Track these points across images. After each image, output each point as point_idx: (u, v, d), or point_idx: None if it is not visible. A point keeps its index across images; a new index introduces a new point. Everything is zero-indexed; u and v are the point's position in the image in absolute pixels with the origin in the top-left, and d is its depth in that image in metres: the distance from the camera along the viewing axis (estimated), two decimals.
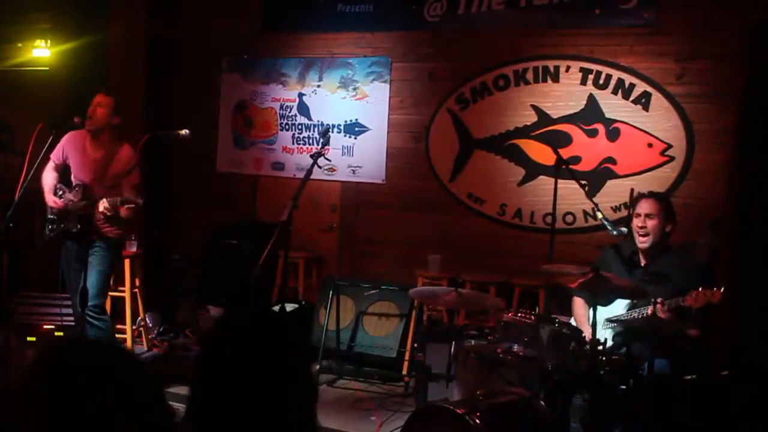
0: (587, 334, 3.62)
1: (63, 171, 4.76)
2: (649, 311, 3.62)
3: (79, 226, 4.52)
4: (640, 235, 3.96)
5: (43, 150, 4.40)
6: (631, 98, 5.53)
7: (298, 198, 3.88)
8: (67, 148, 4.71)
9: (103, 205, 4.32)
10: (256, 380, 1.48)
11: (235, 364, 1.50)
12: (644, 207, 3.98)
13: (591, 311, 3.57)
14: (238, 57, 6.88)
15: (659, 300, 3.58)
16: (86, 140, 4.66)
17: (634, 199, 4.24)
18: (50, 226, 4.66)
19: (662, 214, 3.95)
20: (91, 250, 4.60)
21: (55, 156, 4.72)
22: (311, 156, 4.24)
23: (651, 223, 3.93)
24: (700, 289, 3.54)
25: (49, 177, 4.72)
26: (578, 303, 4.22)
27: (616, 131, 5.58)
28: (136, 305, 5.78)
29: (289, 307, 5.80)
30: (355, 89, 6.44)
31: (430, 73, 6.20)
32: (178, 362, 5.43)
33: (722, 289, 3.49)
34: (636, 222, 3.99)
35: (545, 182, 5.69)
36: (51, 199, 4.65)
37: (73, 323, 5.16)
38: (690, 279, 3.76)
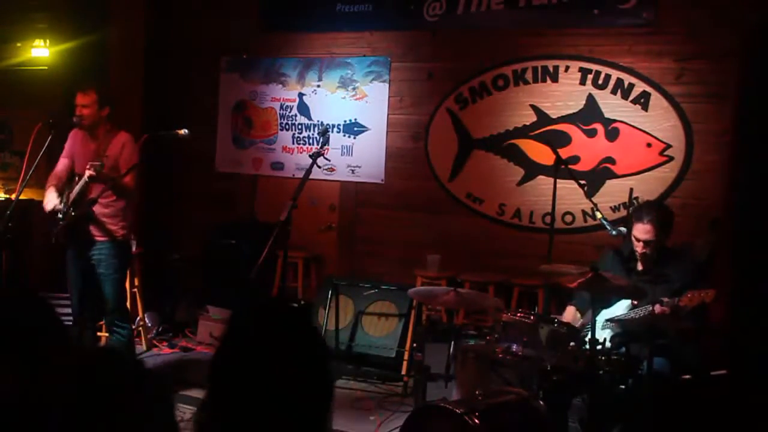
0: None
1: (72, 175, 4.66)
2: (648, 311, 3.64)
3: (72, 212, 4.41)
4: (640, 258, 3.95)
5: (42, 149, 4.38)
6: (630, 98, 5.53)
7: (297, 198, 3.88)
8: (72, 143, 4.71)
9: (88, 171, 4.27)
10: (271, 378, 1.47)
11: (251, 362, 1.49)
12: (642, 233, 3.89)
13: (591, 311, 3.58)
14: (237, 57, 6.88)
15: (664, 299, 3.60)
16: (86, 134, 4.66)
17: (634, 211, 4.15)
18: (55, 227, 4.53)
19: (659, 234, 3.90)
20: (94, 254, 4.55)
21: (65, 151, 4.73)
22: (310, 156, 4.24)
23: (650, 248, 3.92)
24: (694, 289, 3.58)
25: (57, 168, 4.68)
26: (569, 311, 4.21)
27: (615, 131, 5.58)
28: (135, 305, 5.77)
29: None
30: (354, 89, 6.44)
31: (430, 73, 6.20)
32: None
33: (714, 290, 3.54)
34: (636, 247, 3.94)
35: (544, 182, 5.69)
36: (45, 201, 4.56)
37: (70, 323, 5.14)
38: (688, 279, 3.78)
